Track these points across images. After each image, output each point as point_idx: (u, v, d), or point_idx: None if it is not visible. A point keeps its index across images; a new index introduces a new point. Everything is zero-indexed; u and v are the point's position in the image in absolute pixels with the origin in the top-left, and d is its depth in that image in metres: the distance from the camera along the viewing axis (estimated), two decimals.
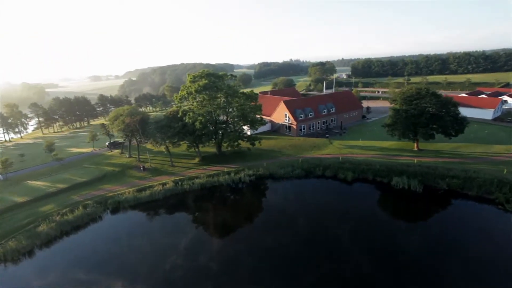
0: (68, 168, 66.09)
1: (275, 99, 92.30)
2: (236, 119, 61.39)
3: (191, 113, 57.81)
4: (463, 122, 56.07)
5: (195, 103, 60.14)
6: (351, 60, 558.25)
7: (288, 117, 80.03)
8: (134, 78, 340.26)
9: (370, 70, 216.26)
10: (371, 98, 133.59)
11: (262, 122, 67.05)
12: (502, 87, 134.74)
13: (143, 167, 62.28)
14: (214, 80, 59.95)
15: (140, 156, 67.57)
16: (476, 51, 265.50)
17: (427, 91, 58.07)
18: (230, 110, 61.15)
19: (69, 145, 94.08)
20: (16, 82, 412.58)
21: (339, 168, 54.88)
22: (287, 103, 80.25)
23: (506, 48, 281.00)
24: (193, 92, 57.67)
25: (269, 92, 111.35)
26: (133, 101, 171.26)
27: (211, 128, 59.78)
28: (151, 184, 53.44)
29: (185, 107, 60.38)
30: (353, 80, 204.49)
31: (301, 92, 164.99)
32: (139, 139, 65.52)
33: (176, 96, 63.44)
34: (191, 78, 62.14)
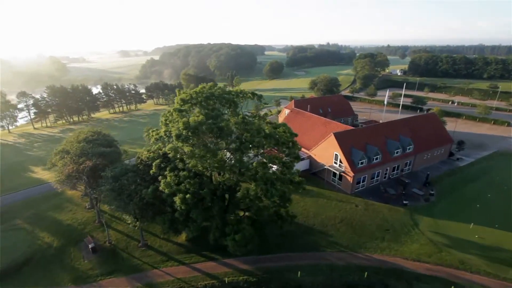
0: None
1: (318, 122, 61.95)
2: (259, 187, 32.13)
3: (170, 177, 30.41)
4: None
5: (185, 147, 31.50)
6: (400, 47, 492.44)
7: (340, 160, 50.11)
8: (156, 58, 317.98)
9: (435, 68, 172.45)
10: (447, 114, 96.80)
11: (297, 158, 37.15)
12: None
13: (93, 247, 36.90)
14: (216, 114, 31.44)
15: (101, 210, 42.33)
16: None
17: None
18: (245, 169, 32.41)
19: (39, 159, 71.50)
20: (47, 54, 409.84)
21: None
22: (340, 138, 49.94)
23: None
24: (179, 136, 29.40)
25: (308, 108, 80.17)
26: (142, 91, 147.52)
27: (208, 203, 31.66)
28: None
29: (169, 152, 31.83)
30: (411, 79, 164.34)
31: (344, 94, 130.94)
32: (92, 194, 39.82)
33: (150, 132, 35.94)
34: (179, 101, 33.96)
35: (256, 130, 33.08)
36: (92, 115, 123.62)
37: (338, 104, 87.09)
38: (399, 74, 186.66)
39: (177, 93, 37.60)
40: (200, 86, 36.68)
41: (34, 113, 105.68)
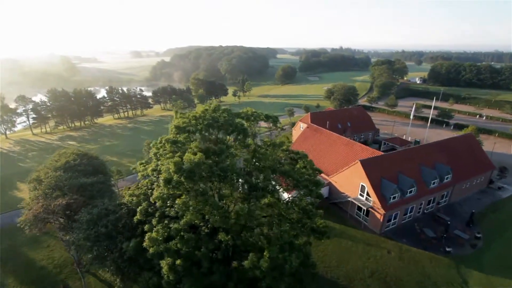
0: None
1: (340, 143, 53.94)
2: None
3: (157, 232, 23.20)
4: None
5: (177, 200, 23.99)
6: (415, 53, 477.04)
7: (367, 192, 42.09)
8: (167, 60, 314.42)
9: (458, 77, 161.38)
10: (478, 130, 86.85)
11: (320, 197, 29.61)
12: None
13: None
14: (220, 148, 24.12)
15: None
16: None
17: None
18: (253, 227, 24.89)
19: (30, 172, 65.61)
20: (59, 53, 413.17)
21: None
22: (367, 167, 41.89)
23: None
24: (168, 182, 21.98)
25: (327, 125, 72.33)
26: (149, 94, 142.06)
27: (206, 269, 24.01)
28: None
29: (156, 201, 24.41)
30: (432, 88, 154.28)
31: (361, 103, 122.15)
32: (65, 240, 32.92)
33: (138, 165, 28.82)
34: (173, 130, 26.84)
35: (271, 168, 25.71)
36: (95, 121, 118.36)
37: (358, 118, 78.84)
38: (418, 82, 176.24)
39: (174, 115, 30.59)
40: (201, 108, 29.51)
41: (33, 118, 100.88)
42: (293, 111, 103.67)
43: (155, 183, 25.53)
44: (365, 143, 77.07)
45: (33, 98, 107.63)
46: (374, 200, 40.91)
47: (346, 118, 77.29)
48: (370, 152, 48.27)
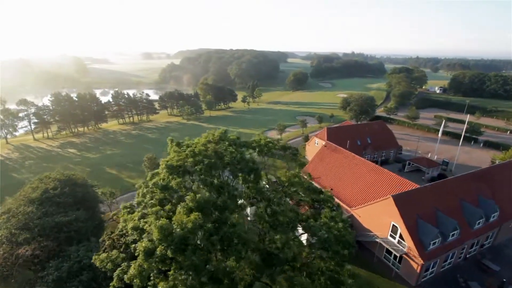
0: None
1: (364, 167, 46.99)
2: None
3: None
4: None
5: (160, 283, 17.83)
6: (430, 59, 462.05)
7: (400, 235, 35.04)
8: (177, 62, 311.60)
9: (482, 87, 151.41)
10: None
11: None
12: None
13: None
14: (224, 202, 17.79)
15: None
16: None
17: None
18: None
19: (21, 185, 60.86)
20: (71, 54, 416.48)
21: None
22: (401, 204, 34.83)
23: None
24: (149, 255, 15.79)
25: (348, 144, 65.66)
26: (156, 97, 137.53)
27: None
28: None
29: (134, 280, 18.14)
30: (454, 98, 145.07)
31: (378, 113, 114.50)
32: None
33: (123, 213, 22.79)
34: (164, 169, 20.71)
35: (290, 224, 19.35)
36: (100, 126, 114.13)
37: (379, 133, 71.67)
38: (437, 91, 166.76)
39: (169, 144, 24.62)
40: (203, 139, 23.43)
41: (35, 123, 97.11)
42: (306, 121, 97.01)
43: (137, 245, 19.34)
44: (386, 161, 69.95)
45: (43, 99, 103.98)
46: (409, 245, 33.86)
47: (366, 133, 70.21)
48: (402, 182, 41.26)
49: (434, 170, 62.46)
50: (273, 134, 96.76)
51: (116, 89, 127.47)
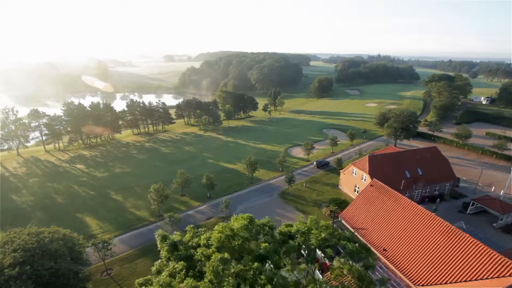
0: None
1: (429, 224, 35.09)
2: None
3: None
4: None
5: None
6: (465, 63, 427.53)
7: None
8: (197, 66, 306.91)
9: None
10: None
11: None
12: None
13: None
14: None
15: None
16: None
17: None
18: None
19: (16, 211, 54.08)
20: (97, 57, 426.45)
21: None
22: None
23: None
24: None
25: (402, 184, 53.73)
26: (173, 104, 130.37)
27: None
28: None
29: None
30: (506, 111, 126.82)
31: (421, 128, 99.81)
32: None
33: None
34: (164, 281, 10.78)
35: None
36: (113, 136, 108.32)
37: (431, 162, 58.83)
38: (484, 102, 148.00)
39: (158, 242, 14.80)
40: (216, 230, 13.42)
41: (45, 134, 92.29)
42: (336, 139, 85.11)
43: None
44: (440, 197, 56.98)
45: (71, 100, 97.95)
46: None
47: (415, 162, 57.66)
48: (490, 254, 29.19)
49: (510, 216, 49.05)
50: (298, 152, 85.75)
51: (136, 94, 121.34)
